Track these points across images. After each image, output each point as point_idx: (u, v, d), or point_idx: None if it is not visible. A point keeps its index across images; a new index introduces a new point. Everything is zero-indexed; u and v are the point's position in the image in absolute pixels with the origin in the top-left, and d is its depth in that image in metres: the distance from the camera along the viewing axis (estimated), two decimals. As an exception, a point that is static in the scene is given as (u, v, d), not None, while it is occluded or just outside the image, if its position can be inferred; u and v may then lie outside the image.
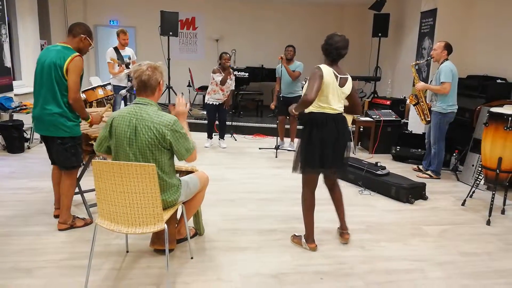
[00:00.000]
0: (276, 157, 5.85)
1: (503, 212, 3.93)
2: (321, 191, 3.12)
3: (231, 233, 3.28)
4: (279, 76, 6.02)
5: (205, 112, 7.11)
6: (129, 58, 5.88)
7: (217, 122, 6.34)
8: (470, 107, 5.08)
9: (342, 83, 2.88)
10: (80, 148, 3.20)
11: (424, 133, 5.52)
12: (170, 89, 8.40)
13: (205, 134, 6.38)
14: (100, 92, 5.02)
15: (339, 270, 2.77)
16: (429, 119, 4.93)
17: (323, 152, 2.86)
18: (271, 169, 5.24)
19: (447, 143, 4.92)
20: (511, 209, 4.06)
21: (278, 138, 6.20)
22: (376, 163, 4.59)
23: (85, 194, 3.50)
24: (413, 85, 5.29)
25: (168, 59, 8.27)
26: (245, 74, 8.35)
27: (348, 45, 2.89)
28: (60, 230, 3.17)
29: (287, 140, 6.40)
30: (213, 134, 6.43)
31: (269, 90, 9.25)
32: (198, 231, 3.20)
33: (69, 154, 3.08)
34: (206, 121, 6.47)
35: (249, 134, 7.37)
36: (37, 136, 5.86)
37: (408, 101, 5.60)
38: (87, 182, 3.65)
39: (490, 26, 5.62)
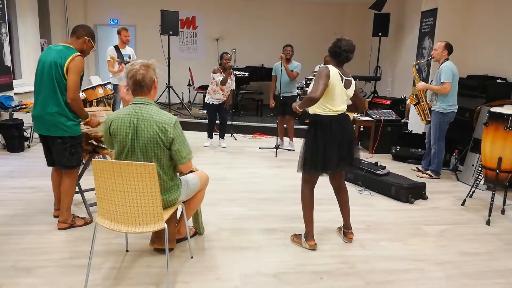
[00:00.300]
0: (276, 156, 5.85)
1: (503, 212, 3.93)
2: (322, 190, 3.12)
3: (231, 233, 3.28)
4: (275, 74, 6.04)
5: (205, 112, 7.12)
6: (130, 57, 5.88)
7: (217, 122, 6.34)
8: (470, 107, 5.08)
9: (347, 85, 2.93)
10: (80, 148, 3.20)
11: (424, 133, 5.52)
12: (170, 88, 8.39)
13: (205, 134, 6.39)
14: (100, 91, 5.01)
15: (339, 269, 2.77)
16: (429, 119, 4.93)
17: (327, 154, 2.88)
18: (271, 169, 5.24)
19: (447, 143, 4.92)
20: (511, 209, 4.06)
21: (278, 137, 6.21)
22: (376, 162, 4.59)
23: (85, 193, 3.50)
24: (414, 85, 5.29)
25: (168, 58, 8.27)
26: (245, 73, 8.35)
27: (355, 50, 2.95)
28: (60, 229, 3.17)
29: (286, 140, 6.40)
30: (213, 133, 6.43)
31: (269, 90, 9.24)
32: (198, 231, 3.20)
33: (69, 154, 3.08)
34: (206, 121, 6.47)
35: (249, 133, 7.38)
36: (37, 135, 5.84)
37: (408, 101, 5.60)
38: (87, 181, 3.65)
39: (490, 26, 5.62)
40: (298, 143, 3.27)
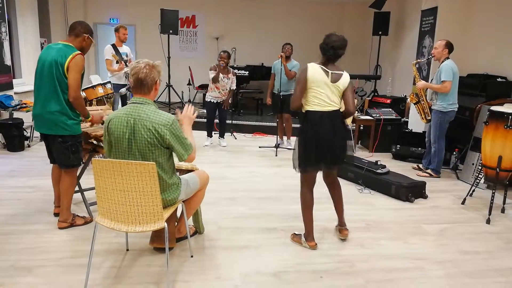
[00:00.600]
0: (276, 155, 5.85)
1: (503, 210, 3.93)
2: (320, 190, 3.12)
3: (231, 232, 3.28)
4: (274, 72, 6.07)
5: (205, 111, 7.10)
6: (126, 56, 5.88)
7: (217, 121, 6.34)
8: (470, 106, 5.08)
9: (334, 79, 2.87)
10: (81, 147, 3.20)
11: (424, 132, 5.52)
12: (170, 88, 8.39)
13: (205, 133, 6.38)
14: (100, 90, 5.01)
15: (338, 268, 2.78)
16: (429, 117, 4.93)
17: (318, 150, 2.87)
18: (271, 168, 5.24)
19: (447, 142, 4.91)
20: (511, 207, 4.06)
21: (278, 136, 6.20)
22: (376, 161, 4.59)
23: (85, 193, 3.50)
24: (414, 84, 5.28)
25: (168, 57, 8.26)
26: (245, 72, 8.34)
27: (346, 45, 2.91)
28: (60, 228, 3.18)
29: (286, 139, 6.40)
30: (213, 132, 6.43)
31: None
32: (198, 230, 3.20)
33: (70, 153, 3.08)
34: (205, 120, 6.46)
35: (249, 132, 7.37)
36: (37, 134, 5.85)
37: (408, 100, 5.60)
38: (87, 180, 3.65)
39: (490, 24, 5.61)
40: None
